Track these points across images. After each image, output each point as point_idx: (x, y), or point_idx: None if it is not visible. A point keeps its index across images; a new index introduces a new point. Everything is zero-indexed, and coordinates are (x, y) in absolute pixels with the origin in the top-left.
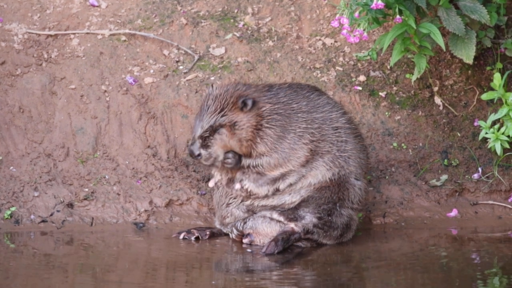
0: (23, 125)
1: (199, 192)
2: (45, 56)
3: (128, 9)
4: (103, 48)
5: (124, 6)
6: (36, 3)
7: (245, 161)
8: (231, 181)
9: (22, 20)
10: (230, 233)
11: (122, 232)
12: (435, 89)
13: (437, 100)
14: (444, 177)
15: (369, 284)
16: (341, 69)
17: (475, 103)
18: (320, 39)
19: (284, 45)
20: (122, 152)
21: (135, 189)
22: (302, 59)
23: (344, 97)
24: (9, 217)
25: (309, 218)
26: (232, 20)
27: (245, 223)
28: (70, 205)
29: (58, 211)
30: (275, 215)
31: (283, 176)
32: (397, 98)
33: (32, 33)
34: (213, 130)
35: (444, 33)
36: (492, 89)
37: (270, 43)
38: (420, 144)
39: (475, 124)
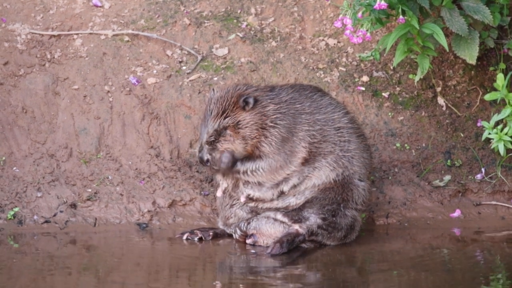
0: (26, 125)
1: (202, 192)
2: (48, 56)
3: (131, 9)
4: (106, 49)
5: (127, 6)
6: (39, 3)
7: (245, 166)
8: (236, 186)
9: (25, 20)
10: (233, 234)
11: (125, 233)
12: (438, 89)
13: (440, 100)
14: (447, 177)
15: (372, 284)
16: (344, 69)
17: (478, 103)
18: (323, 40)
19: (287, 45)
20: (125, 152)
21: (138, 189)
22: (305, 60)
23: (347, 97)
24: (12, 217)
25: (313, 219)
26: (235, 21)
27: (248, 223)
28: (73, 206)
29: (61, 211)
30: (279, 216)
31: (285, 178)
32: (400, 99)
33: (35, 33)
34: (218, 133)
35: (447, 33)
36: (495, 89)
37: (273, 43)
38: (423, 145)
39: (478, 124)
